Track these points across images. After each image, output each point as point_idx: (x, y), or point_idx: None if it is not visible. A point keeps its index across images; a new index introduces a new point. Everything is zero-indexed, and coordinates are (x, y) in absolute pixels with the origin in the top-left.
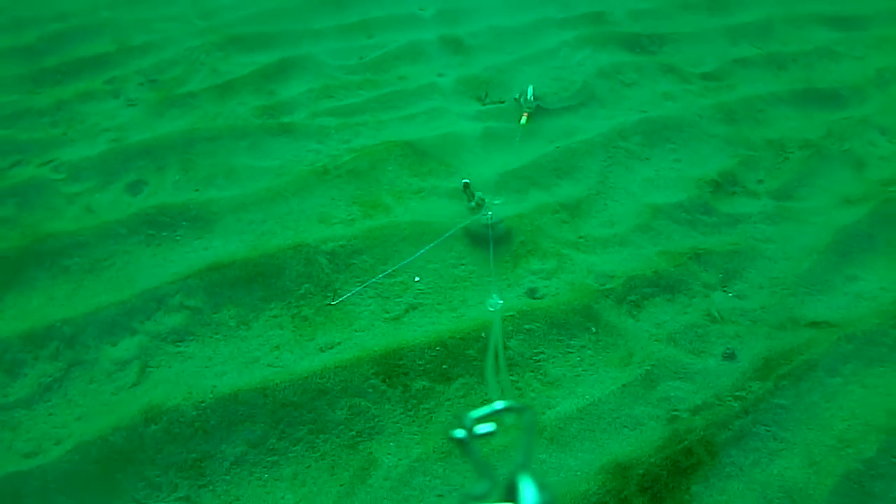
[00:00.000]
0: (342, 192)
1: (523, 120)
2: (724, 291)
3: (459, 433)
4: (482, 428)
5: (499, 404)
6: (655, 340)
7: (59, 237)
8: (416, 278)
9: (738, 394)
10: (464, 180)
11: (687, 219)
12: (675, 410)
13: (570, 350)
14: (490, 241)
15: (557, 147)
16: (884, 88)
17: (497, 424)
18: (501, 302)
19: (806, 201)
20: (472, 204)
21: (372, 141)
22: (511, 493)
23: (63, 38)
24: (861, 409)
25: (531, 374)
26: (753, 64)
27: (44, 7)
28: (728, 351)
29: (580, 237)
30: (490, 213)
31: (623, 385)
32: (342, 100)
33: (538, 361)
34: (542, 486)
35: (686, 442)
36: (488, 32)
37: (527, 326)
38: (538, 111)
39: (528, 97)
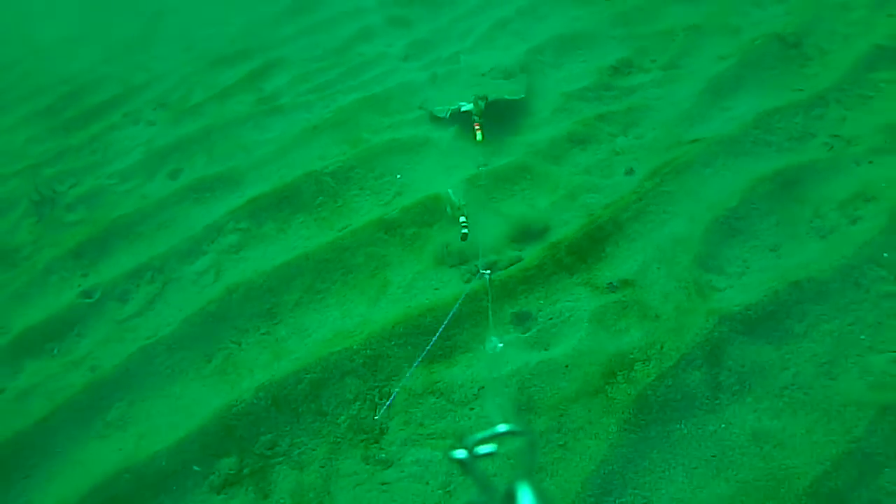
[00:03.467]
0: (331, 138)
1: (479, 136)
2: (625, 136)
3: (461, 454)
4: (483, 449)
5: (500, 427)
6: (574, 174)
7: (127, 217)
8: (398, 175)
9: (635, 192)
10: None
11: (593, 96)
12: (591, 210)
13: (513, 192)
14: (489, 300)
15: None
16: None
17: (497, 446)
18: (502, 345)
19: (688, 66)
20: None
21: (346, 101)
22: (510, 500)
23: (75, 94)
24: (728, 182)
25: (490, 210)
26: None
27: (48, 76)
28: (628, 169)
29: (525, 126)
30: (488, 272)
31: (552, 202)
32: (317, 80)
33: (494, 202)
34: (540, 495)
35: (599, 222)
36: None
37: (480, 183)
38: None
39: (472, 108)
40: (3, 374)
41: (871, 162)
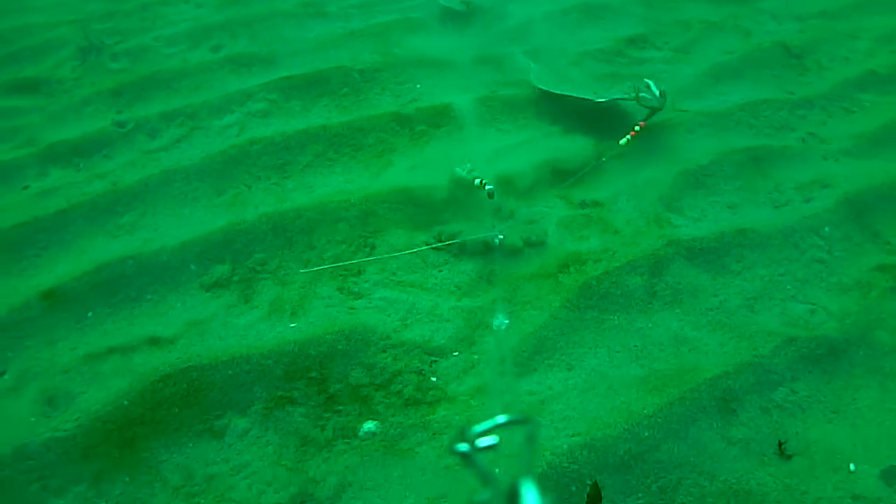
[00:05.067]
0: (365, 45)
1: (623, 140)
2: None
3: (462, 447)
4: (485, 441)
5: (501, 418)
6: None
7: (167, 72)
8: (418, 85)
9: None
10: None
11: (605, 58)
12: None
13: (516, 119)
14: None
15: (518, 23)
16: None
17: (499, 437)
18: (507, 321)
19: (697, 53)
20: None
21: (386, 19)
22: (513, 499)
23: None
24: (705, 147)
25: (494, 130)
26: None
27: None
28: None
29: (532, 65)
30: (501, 236)
31: (547, 131)
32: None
33: (496, 124)
34: (544, 493)
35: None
36: None
37: (488, 104)
38: None
39: (653, 91)
40: (29, 176)
41: (837, 160)
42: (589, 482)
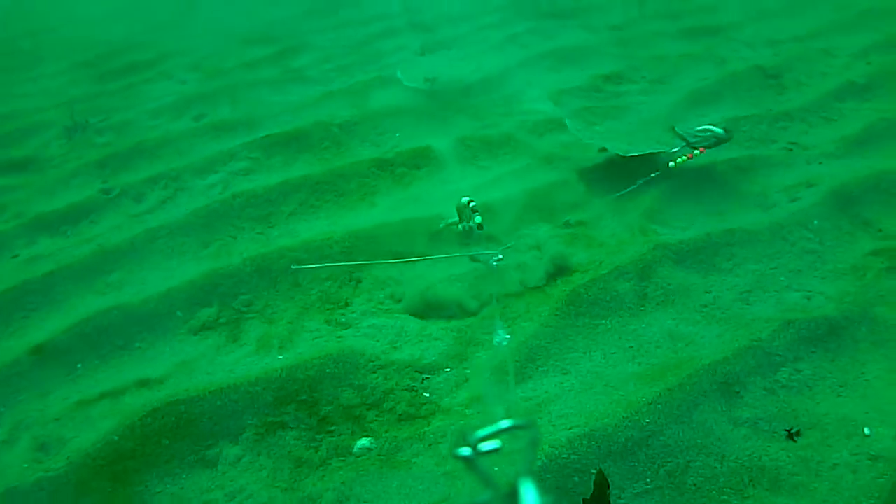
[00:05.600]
0: (344, 102)
1: (672, 163)
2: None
3: (465, 451)
4: (486, 446)
5: (503, 423)
6: (552, 146)
7: (150, 141)
8: (398, 133)
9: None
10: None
11: (583, 94)
12: (561, 171)
13: (495, 155)
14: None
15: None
16: (759, 21)
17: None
18: (509, 336)
19: (674, 83)
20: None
21: (364, 77)
22: (513, 499)
23: (113, 54)
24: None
25: (473, 167)
26: (653, 18)
27: (88, 40)
28: (601, 148)
29: (517, 111)
30: (499, 256)
31: (528, 163)
32: (339, 62)
33: (478, 160)
34: (543, 493)
35: (566, 179)
36: (444, 16)
37: (469, 144)
38: None
39: (715, 131)
40: (17, 245)
41: (820, 163)
42: (593, 471)
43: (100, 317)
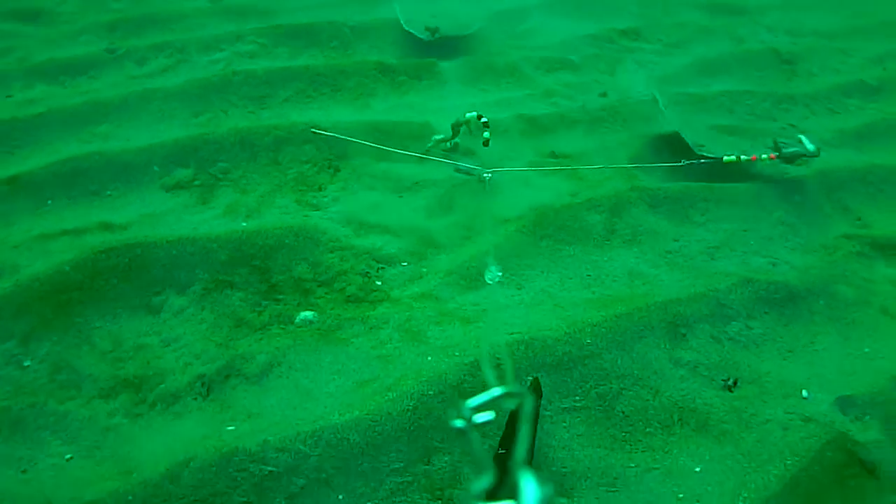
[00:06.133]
0: (358, 8)
1: (727, 158)
2: (610, 75)
3: (459, 423)
4: (481, 417)
5: (496, 390)
6: (556, 84)
7: (163, 13)
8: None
9: (602, 106)
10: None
11: (594, 42)
12: (559, 106)
13: (499, 84)
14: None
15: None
16: (783, 10)
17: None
18: (500, 274)
19: (688, 50)
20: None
21: None
22: (512, 489)
23: None
24: (680, 118)
25: (474, 88)
26: None
27: None
28: (602, 92)
29: (527, 46)
30: (488, 175)
31: (529, 94)
32: None
33: (482, 85)
34: (542, 483)
35: (563, 113)
36: None
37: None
38: None
39: (806, 146)
40: (14, 87)
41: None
42: (528, 378)
43: (78, 160)
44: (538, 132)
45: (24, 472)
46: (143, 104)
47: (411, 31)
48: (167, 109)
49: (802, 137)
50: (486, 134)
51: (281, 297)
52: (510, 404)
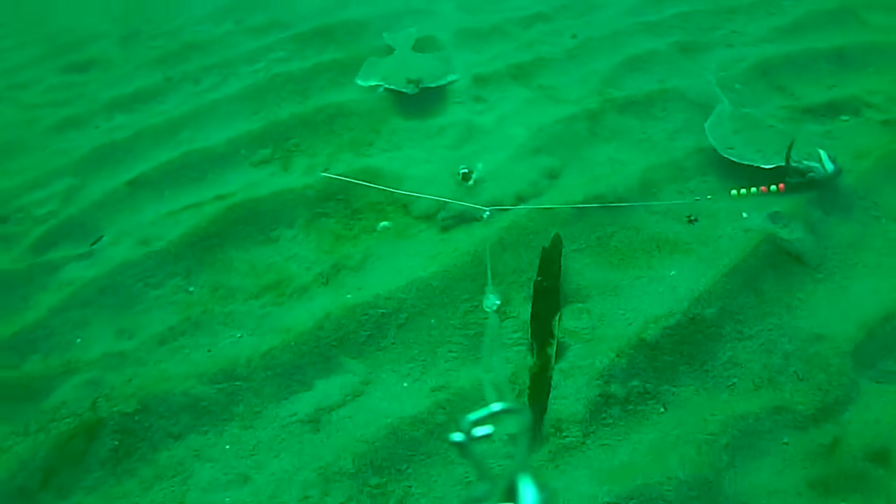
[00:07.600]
0: (363, 10)
1: (734, 192)
2: (577, 20)
3: (458, 437)
4: (480, 431)
5: (495, 406)
6: (534, 36)
7: (200, 42)
8: (413, 29)
9: (575, 46)
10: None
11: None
12: (539, 53)
13: (488, 41)
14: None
15: None
16: None
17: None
18: (499, 302)
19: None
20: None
21: None
22: (511, 493)
23: None
24: (644, 46)
25: (468, 50)
26: None
27: None
28: (573, 35)
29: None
30: (487, 212)
31: (515, 46)
32: None
33: (473, 47)
34: (541, 487)
35: (542, 56)
36: None
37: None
38: None
39: (824, 163)
40: (98, 120)
41: (754, 45)
42: (547, 232)
43: (178, 159)
44: (526, 75)
45: (209, 351)
46: (212, 112)
47: (395, 88)
48: (232, 112)
49: (822, 153)
50: (470, 182)
51: (362, 216)
52: (509, 420)
